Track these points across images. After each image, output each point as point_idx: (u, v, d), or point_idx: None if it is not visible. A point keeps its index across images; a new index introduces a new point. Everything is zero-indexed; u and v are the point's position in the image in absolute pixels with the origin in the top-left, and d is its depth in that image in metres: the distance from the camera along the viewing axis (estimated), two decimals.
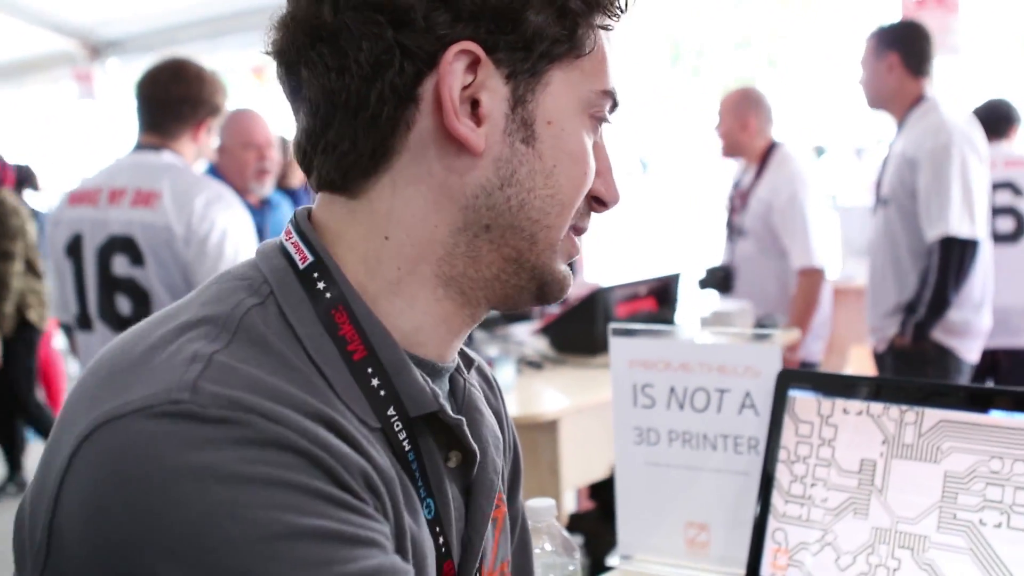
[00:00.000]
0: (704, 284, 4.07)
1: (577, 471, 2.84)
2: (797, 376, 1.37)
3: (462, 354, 0.95)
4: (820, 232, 3.87)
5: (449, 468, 0.86)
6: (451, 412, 0.85)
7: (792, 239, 3.83)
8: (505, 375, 2.83)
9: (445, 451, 0.86)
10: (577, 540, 1.31)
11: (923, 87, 3.37)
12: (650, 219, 7.99)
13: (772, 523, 1.34)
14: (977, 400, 1.23)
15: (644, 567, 1.53)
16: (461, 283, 0.84)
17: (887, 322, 3.40)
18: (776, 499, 1.34)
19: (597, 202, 0.88)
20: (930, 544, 1.22)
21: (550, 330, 3.43)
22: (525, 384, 3.01)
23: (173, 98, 2.65)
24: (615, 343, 1.54)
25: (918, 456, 1.25)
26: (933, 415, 1.25)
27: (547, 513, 1.18)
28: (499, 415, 1.00)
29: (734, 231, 4.02)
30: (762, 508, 1.35)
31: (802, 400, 1.35)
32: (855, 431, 1.30)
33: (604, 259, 6.40)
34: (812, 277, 3.81)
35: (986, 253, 3.38)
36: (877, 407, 1.29)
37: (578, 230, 0.88)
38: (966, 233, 3.19)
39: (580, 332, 3.26)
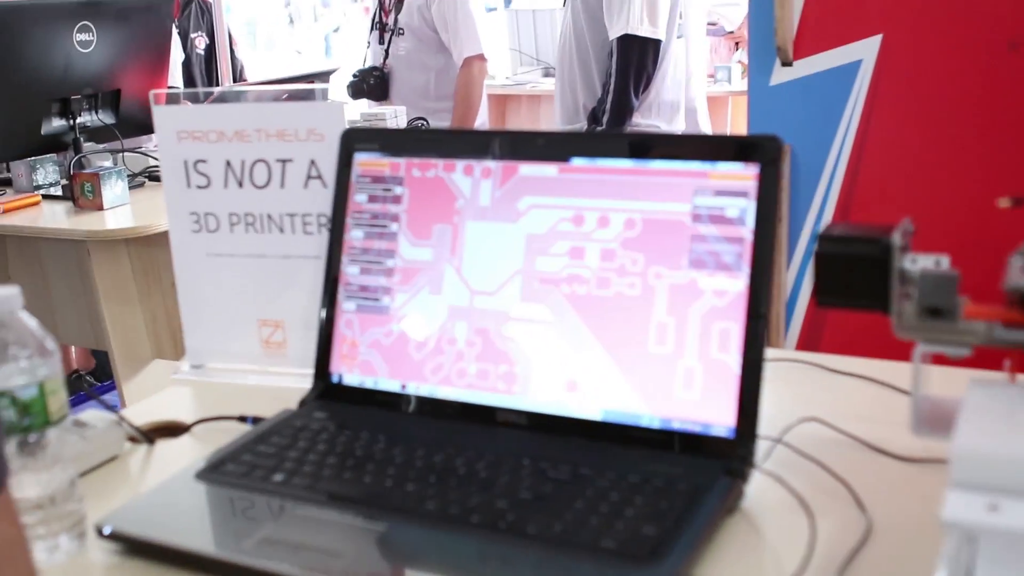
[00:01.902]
0: (356, 91, 3.80)
1: None
2: (363, 135, 1.16)
3: None
4: (483, 24, 3.69)
5: None
6: None
7: (455, 31, 3.64)
8: None
9: None
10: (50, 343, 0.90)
11: None
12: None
13: (342, 309, 1.14)
14: (555, 150, 1.05)
15: (216, 376, 1.31)
16: None
17: (574, 126, 3.29)
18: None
19: None
20: (510, 318, 1.06)
21: None
22: None
23: None
24: (159, 113, 1.26)
25: (495, 217, 1.07)
26: (510, 168, 1.07)
27: (8, 303, 0.87)
28: None
29: (385, 31, 3.76)
30: (330, 294, 1.15)
31: (370, 163, 1.14)
32: (428, 193, 1.10)
33: (257, 62, 6.02)
34: (477, 65, 3.65)
35: (673, 53, 3.26)
36: (450, 164, 1.10)
37: None
38: (646, 31, 3.08)
39: None
